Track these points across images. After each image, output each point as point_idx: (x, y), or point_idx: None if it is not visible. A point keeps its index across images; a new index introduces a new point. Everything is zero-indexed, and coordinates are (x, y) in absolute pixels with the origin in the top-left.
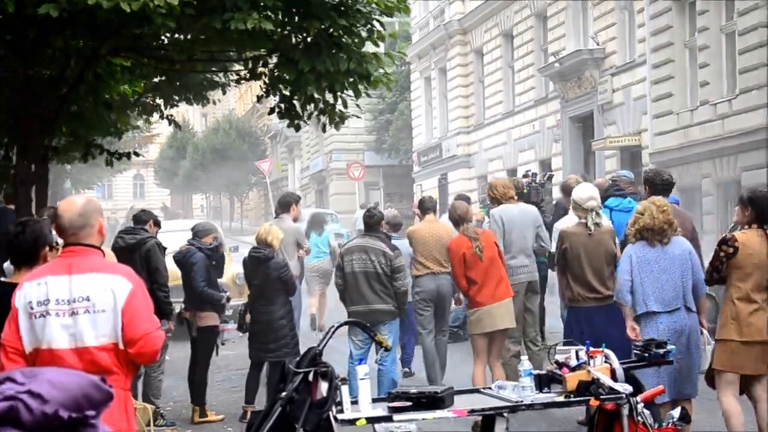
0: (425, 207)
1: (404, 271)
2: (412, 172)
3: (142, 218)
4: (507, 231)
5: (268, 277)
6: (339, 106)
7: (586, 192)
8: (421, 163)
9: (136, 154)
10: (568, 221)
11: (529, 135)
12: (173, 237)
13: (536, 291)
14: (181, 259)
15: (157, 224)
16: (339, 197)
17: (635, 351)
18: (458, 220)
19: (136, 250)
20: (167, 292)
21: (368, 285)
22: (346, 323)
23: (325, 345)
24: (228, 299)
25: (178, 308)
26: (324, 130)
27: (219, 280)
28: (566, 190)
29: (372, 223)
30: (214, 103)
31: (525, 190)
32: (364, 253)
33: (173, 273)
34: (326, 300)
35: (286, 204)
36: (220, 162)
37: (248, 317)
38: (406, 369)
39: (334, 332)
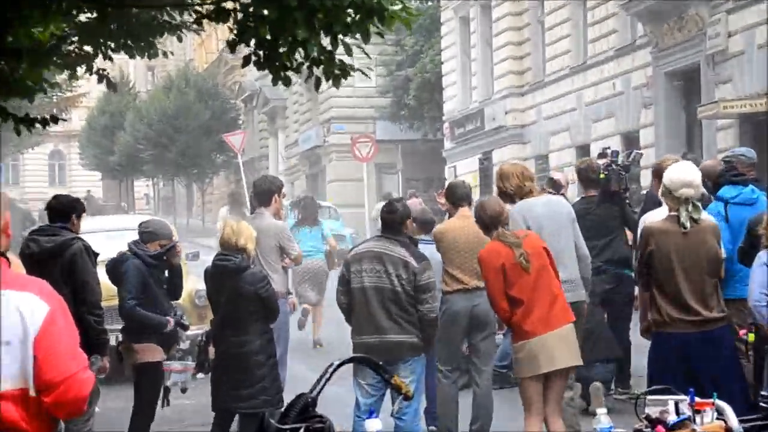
0: (456, 197)
1: (434, 291)
2: (442, 149)
3: (60, 208)
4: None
5: (240, 294)
6: (340, 55)
7: (680, 174)
8: (456, 138)
9: (55, 120)
10: (658, 215)
11: (608, 98)
12: (109, 239)
13: (580, 314)
14: (111, 268)
15: (83, 213)
16: (340, 185)
17: (763, 403)
18: (489, 224)
19: (56, 258)
20: (100, 315)
21: (383, 307)
22: (350, 360)
23: (320, 390)
24: (182, 325)
25: (114, 339)
26: (318, 88)
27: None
28: (660, 175)
29: (393, 221)
30: (165, 55)
31: (602, 175)
32: (379, 263)
33: (108, 288)
34: (322, 313)
35: (264, 194)
36: (173, 135)
37: (211, 351)
38: (433, 428)
39: (333, 372)
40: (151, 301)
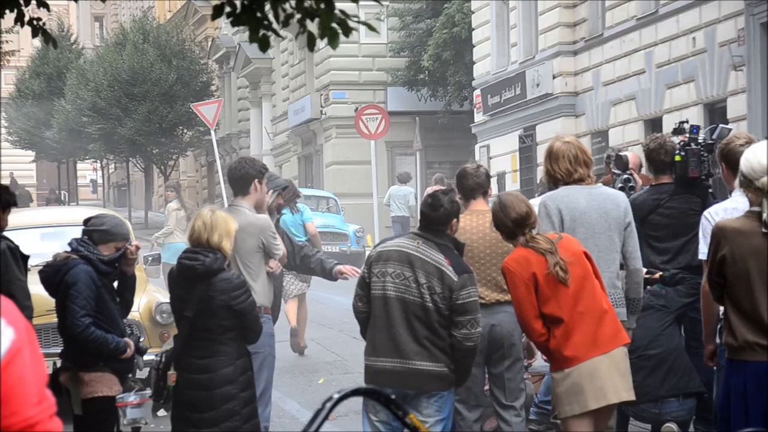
0: (467, 186)
1: (476, 313)
2: (472, 123)
3: None
4: (567, 233)
5: (209, 305)
6: (340, 1)
7: (762, 157)
8: (489, 109)
9: None
10: (729, 209)
11: (686, 57)
12: (44, 239)
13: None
14: (51, 276)
15: (8, 206)
16: (342, 170)
17: None
18: (514, 229)
19: None
20: None
21: (407, 325)
22: (353, 394)
23: (317, 430)
24: (139, 349)
25: (50, 365)
26: (312, 47)
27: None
28: (728, 159)
29: (436, 219)
30: None
31: (678, 157)
32: (408, 268)
33: (42, 302)
34: (306, 309)
35: (241, 180)
36: (128, 104)
37: (172, 376)
38: None
39: (333, 407)
40: (106, 318)
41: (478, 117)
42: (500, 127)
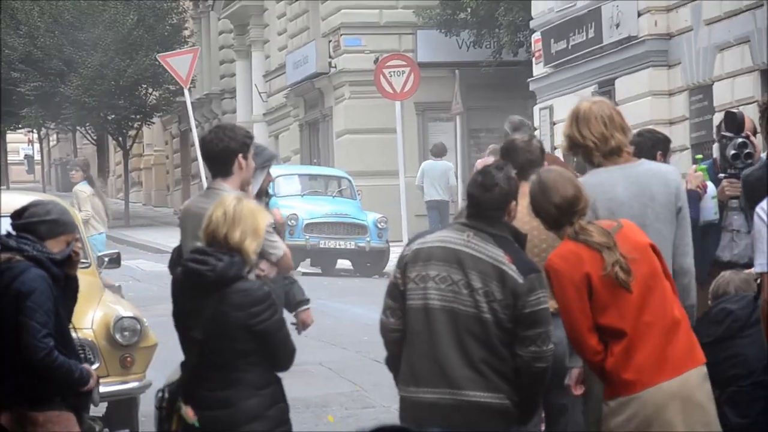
0: (516, 164)
1: (547, 325)
2: (529, 78)
3: None
4: None
5: (224, 323)
6: None
7: None
8: (552, 58)
9: None
10: None
11: None
12: None
13: None
14: None
15: None
16: (357, 140)
17: None
18: (558, 216)
19: None
20: None
21: (457, 343)
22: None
23: None
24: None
25: None
26: None
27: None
28: None
29: (489, 201)
30: None
31: None
32: (457, 269)
33: None
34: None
35: (221, 156)
36: (73, 56)
37: (189, 411)
38: None
39: None
40: (61, 338)
41: (538, 69)
42: (567, 81)
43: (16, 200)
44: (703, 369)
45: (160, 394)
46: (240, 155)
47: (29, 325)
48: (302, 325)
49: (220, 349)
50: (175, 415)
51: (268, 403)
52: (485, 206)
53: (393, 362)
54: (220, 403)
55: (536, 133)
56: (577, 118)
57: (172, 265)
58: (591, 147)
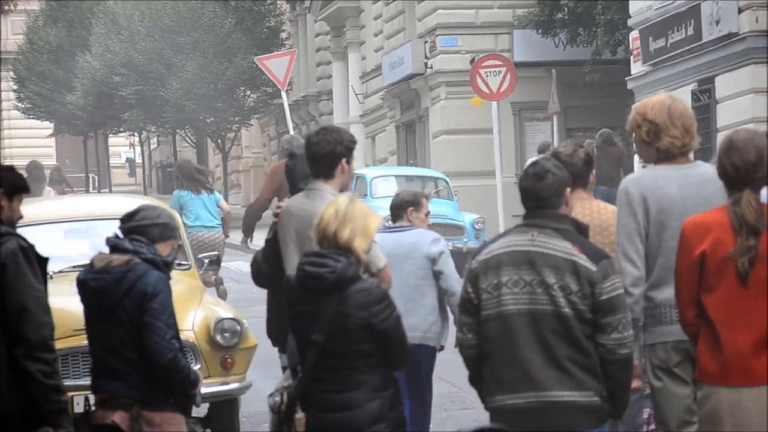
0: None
1: (625, 310)
2: (627, 76)
3: None
4: (654, 228)
5: (345, 324)
6: None
7: None
8: (651, 56)
9: None
10: None
11: None
12: (69, 236)
13: None
14: (111, 286)
15: (17, 191)
16: (453, 140)
17: None
18: (734, 176)
19: None
20: (49, 361)
21: (538, 344)
22: None
23: None
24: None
25: (82, 402)
26: None
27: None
28: None
29: (545, 188)
30: None
31: None
32: (527, 268)
33: (67, 320)
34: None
35: (326, 158)
36: (173, 59)
37: (302, 419)
38: None
39: None
40: (178, 337)
41: (636, 67)
42: (666, 79)
43: (119, 203)
44: None
45: (277, 398)
46: (344, 159)
47: (156, 326)
48: None
49: (342, 351)
50: (297, 419)
51: (388, 405)
52: (541, 195)
53: (476, 379)
54: (342, 406)
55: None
56: (638, 116)
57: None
58: (665, 149)
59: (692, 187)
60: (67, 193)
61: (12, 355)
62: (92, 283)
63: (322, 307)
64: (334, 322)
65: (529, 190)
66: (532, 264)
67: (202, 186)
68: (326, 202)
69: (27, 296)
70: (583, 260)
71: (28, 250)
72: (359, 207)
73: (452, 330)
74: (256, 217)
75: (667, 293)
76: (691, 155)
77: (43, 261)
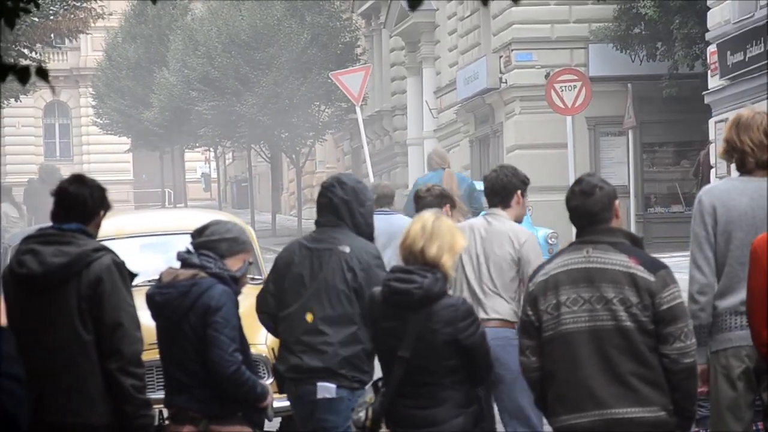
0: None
1: (687, 318)
2: (705, 91)
3: (79, 200)
4: (722, 238)
5: (432, 340)
6: None
7: None
8: (729, 70)
9: (43, 75)
10: None
11: None
12: (144, 251)
13: None
14: (177, 300)
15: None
16: (528, 155)
17: None
18: (752, 150)
19: (68, 283)
20: (141, 376)
21: (601, 361)
22: None
23: None
24: (271, 393)
25: (156, 416)
26: None
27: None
28: None
29: (595, 202)
30: None
31: None
32: (586, 285)
33: (148, 333)
34: None
35: (503, 191)
36: (249, 74)
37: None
38: None
39: None
40: (242, 354)
41: (714, 81)
42: (744, 94)
43: (195, 218)
44: None
45: (362, 414)
46: (519, 192)
47: (219, 339)
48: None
49: (428, 367)
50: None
51: (472, 421)
52: (592, 210)
53: (540, 401)
54: (427, 422)
55: (711, 147)
56: (737, 125)
57: None
58: (747, 152)
59: (765, 200)
60: None
61: (106, 370)
62: (158, 298)
63: (409, 323)
64: (420, 338)
65: (578, 208)
66: (590, 280)
67: None
68: (509, 224)
69: (122, 311)
70: (640, 272)
71: (121, 265)
72: (446, 224)
73: None
74: None
75: (730, 301)
76: None
77: (133, 276)
